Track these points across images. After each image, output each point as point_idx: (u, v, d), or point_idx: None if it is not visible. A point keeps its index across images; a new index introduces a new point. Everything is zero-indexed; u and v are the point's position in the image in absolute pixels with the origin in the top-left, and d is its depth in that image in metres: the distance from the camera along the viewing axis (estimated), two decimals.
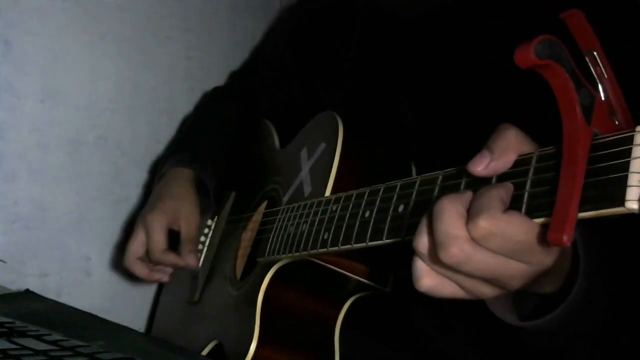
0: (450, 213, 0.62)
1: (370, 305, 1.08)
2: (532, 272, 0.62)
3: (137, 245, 1.27)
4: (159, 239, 1.25)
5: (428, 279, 0.65)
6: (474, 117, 0.95)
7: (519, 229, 0.60)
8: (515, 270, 0.62)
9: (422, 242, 0.64)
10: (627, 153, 0.53)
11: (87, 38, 1.42)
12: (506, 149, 0.65)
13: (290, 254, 1.01)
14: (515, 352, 0.80)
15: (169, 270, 1.31)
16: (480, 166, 0.65)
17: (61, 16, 1.37)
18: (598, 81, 0.59)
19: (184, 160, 1.36)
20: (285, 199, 1.14)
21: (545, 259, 0.61)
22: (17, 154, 1.34)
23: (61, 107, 1.39)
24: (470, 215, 0.61)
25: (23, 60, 1.33)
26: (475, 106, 0.98)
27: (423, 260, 0.65)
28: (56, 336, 0.83)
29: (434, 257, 0.63)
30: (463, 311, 0.83)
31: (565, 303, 0.69)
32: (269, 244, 1.08)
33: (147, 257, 1.28)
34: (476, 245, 0.61)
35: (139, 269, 1.28)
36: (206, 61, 1.65)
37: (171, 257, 1.26)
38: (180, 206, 1.29)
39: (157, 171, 1.40)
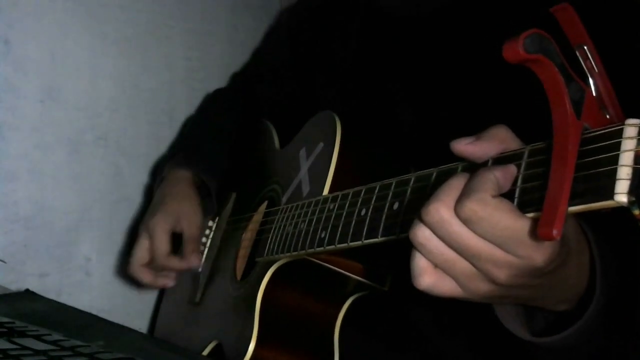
0: (449, 183, 0.63)
1: (369, 305, 1.08)
2: (521, 268, 0.61)
3: (141, 251, 1.27)
4: (163, 245, 1.25)
5: (427, 277, 0.64)
6: (472, 117, 0.94)
7: (507, 216, 0.59)
8: (502, 260, 0.61)
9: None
10: (616, 146, 0.53)
11: (87, 38, 1.42)
12: (490, 139, 0.66)
13: (289, 254, 1.02)
14: (516, 355, 0.80)
15: (174, 275, 1.31)
16: (460, 144, 0.67)
17: (61, 16, 1.38)
18: (588, 75, 0.58)
19: (185, 161, 1.36)
20: (285, 199, 1.14)
21: (536, 254, 0.60)
22: (17, 154, 1.34)
23: (61, 107, 1.39)
24: (461, 194, 0.61)
25: (23, 60, 1.33)
26: (474, 106, 0.98)
27: (420, 251, 0.64)
28: (56, 336, 0.83)
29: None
30: (462, 311, 0.82)
31: (582, 320, 0.69)
32: (268, 244, 1.08)
33: (152, 263, 1.28)
34: (455, 216, 0.61)
35: (144, 276, 1.28)
36: (206, 61, 1.65)
37: (175, 262, 1.27)
38: (182, 207, 1.29)
39: (158, 174, 1.40)
